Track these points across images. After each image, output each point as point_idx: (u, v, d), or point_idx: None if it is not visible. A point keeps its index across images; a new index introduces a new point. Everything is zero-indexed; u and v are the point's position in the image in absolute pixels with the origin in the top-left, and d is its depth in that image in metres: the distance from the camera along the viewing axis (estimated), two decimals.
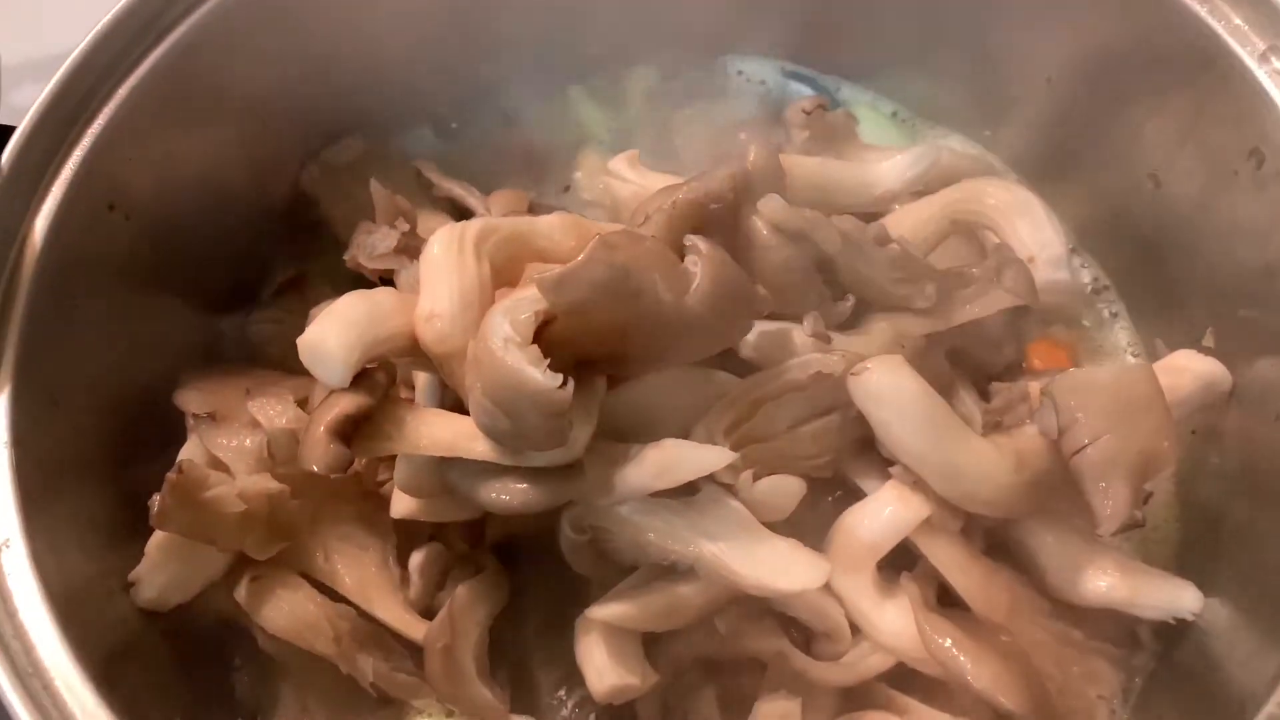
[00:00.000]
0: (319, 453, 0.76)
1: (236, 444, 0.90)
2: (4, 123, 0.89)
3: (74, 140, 0.88)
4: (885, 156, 1.02)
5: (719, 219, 0.87)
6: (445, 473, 0.82)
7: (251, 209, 1.07)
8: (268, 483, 0.87)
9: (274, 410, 0.90)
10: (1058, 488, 0.84)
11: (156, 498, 0.82)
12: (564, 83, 1.20)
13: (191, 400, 0.94)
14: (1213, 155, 0.90)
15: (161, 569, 0.87)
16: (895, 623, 0.85)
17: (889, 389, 0.82)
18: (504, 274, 0.84)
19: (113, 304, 0.93)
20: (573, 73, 1.20)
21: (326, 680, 0.91)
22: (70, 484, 0.86)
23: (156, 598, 0.87)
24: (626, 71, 1.21)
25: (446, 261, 0.82)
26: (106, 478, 0.90)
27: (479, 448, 0.79)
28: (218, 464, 0.90)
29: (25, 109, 0.86)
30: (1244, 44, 0.86)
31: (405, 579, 0.92)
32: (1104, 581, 0.86)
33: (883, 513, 0.86)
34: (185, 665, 0.91)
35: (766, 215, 0.86)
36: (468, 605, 0.89)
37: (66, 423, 0.86)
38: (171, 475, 0.82)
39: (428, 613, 0.90)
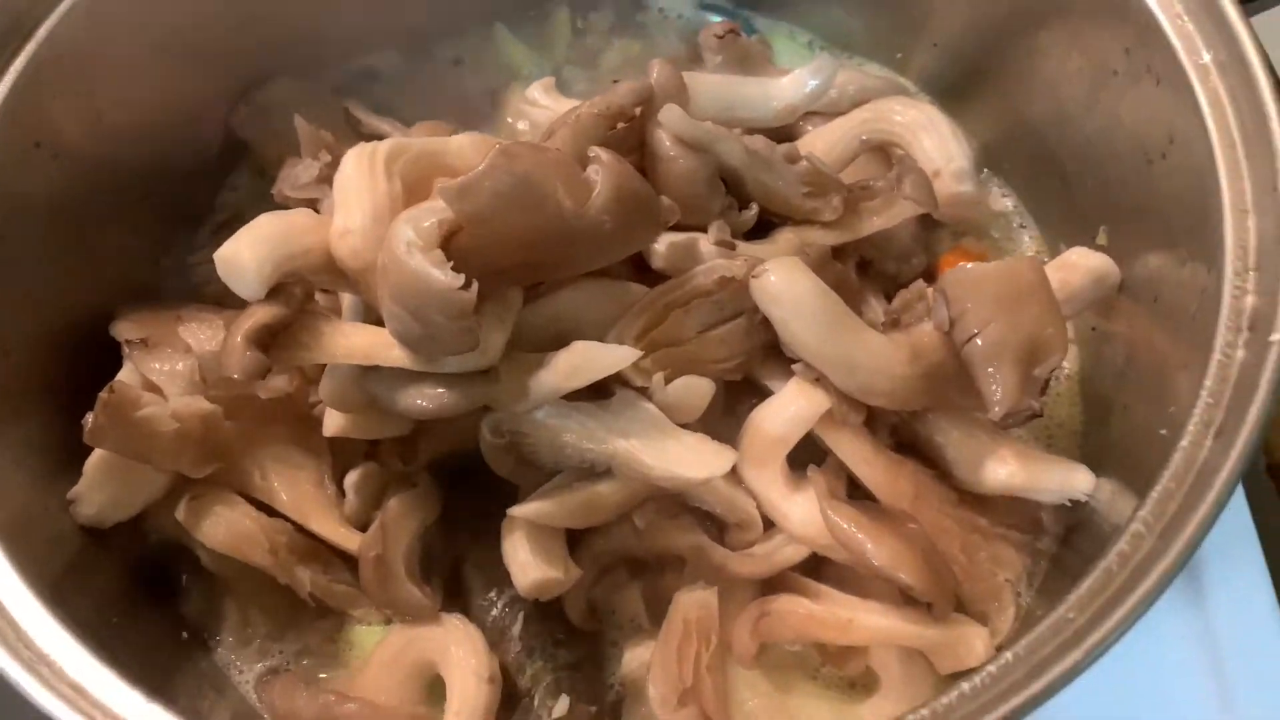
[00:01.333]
0: (236, 359, 0.79)
1: (169, 368, 0.93)
2: None
3: None
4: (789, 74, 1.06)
5: (625, 137, 0.91)
6: (366, 383, 0.86)
7: (185, 149, 1.10)
8: (200, 404, 0.91)
9: (204, 335, 0.94)
10: (953, 379, 0.87)
11: (90, 415, 0.85)
12: (490, 20, 1.23)
13: (126, 329, 0.97)
14: (1095, 58, 0.94)
15: (99, 488, 0.90)
16: (804, 512, 0.89)
17: (785, 288, 0.85)
18: (416, 192, 0.86)
19: (48, 243, 0.96)
20: (498, 13, 1.23)
21: (267, 595, 0.95)
22: (10, 414, 0.90)
23: (95, 514, 0.91)
24: (552, 10, 1.25)
25: (358, 179, 0.85)
26: (49, 408, 0.93)
27: (395, 354, 0.82)
28: (152, 388, 0.93)
29: None
30: None
31: (341, 498, 0.95)
32: (1004, 469, 0.90)
33: (787, 409, 0.90)
34: (133, 584, 0.95)
35: (667, 126, 0.90)
36: (399, 516, 0.93)
37: (3, 355, 0.90)
38: (103, 394, 0.85)
39: (364, 529, 0.94)
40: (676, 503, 0.92)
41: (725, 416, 0.94)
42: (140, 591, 0.96)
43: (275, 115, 1.12)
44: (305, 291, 0.86)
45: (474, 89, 1.23)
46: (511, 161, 0.77)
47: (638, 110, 0.91)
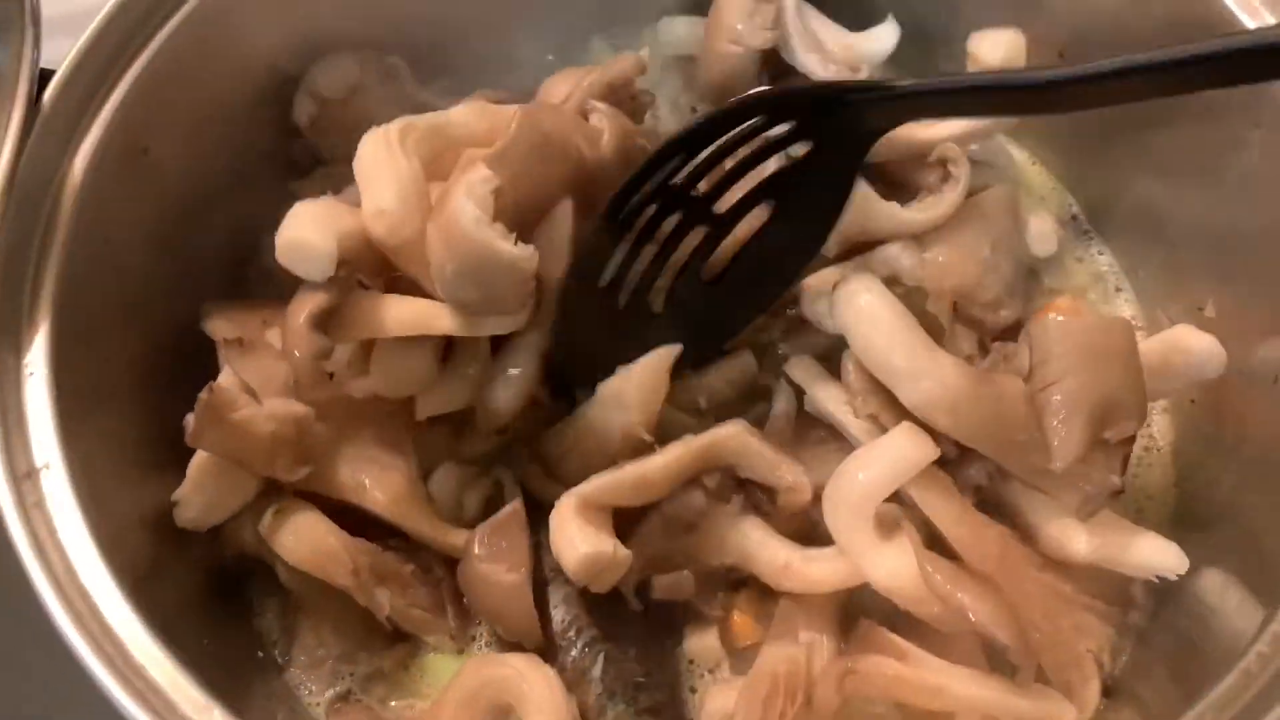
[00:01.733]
0: (302, 342, 0.83)
1: (263, 370, 0.93)
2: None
3: (110, 85, 0.91)
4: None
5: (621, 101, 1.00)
6: None
7: (270, 160, 1.09)
8: (293, 406, 0.90)
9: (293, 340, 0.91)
10: (1023, 428, 0.84)
11: (190, 417, 0.85)
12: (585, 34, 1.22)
13: (220, 327, 0.96)
14: (1224, 128, 0.91)
15: (201, 490, 0.90)
16: (893, 564, 0.87)
17: (868, 303, 0.88)
18: (430, 168, 0.89)
19: (148, 240, 0.96)
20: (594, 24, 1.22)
21: (342, 616, 0.95)
22: (107, 411, 0.89)
23: (196, 517, 0.90)
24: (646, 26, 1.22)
25: (379, 160, 0.87)
26: (142, 405, 0.93)
27: (443, 323, 0.87)
28: (247, 389, 0.92)
29: (58, 61, 0.89)
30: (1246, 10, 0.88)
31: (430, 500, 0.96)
32: (1087, 539, 0.87)
33: (889, 454, 0.88)
34: (210, 595, 0.95)
35: None
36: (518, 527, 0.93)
37: (103, 353, 0.90)
38: (203, 395, 0.85)
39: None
40: (728, 476, 0.92)
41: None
42: (217, 603, 0.95)
43: (334, 105, 1.07)
44: (349, 272, 0.87)
45: None
46: (537, 121, 0.88)
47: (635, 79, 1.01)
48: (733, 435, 0.90)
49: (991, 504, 0.92)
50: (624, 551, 0.87)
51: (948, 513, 0.89)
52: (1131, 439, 0.83)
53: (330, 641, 0.96)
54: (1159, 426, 1.03)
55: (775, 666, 0.86)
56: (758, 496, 0.93)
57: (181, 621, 0.85)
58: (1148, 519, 0.99)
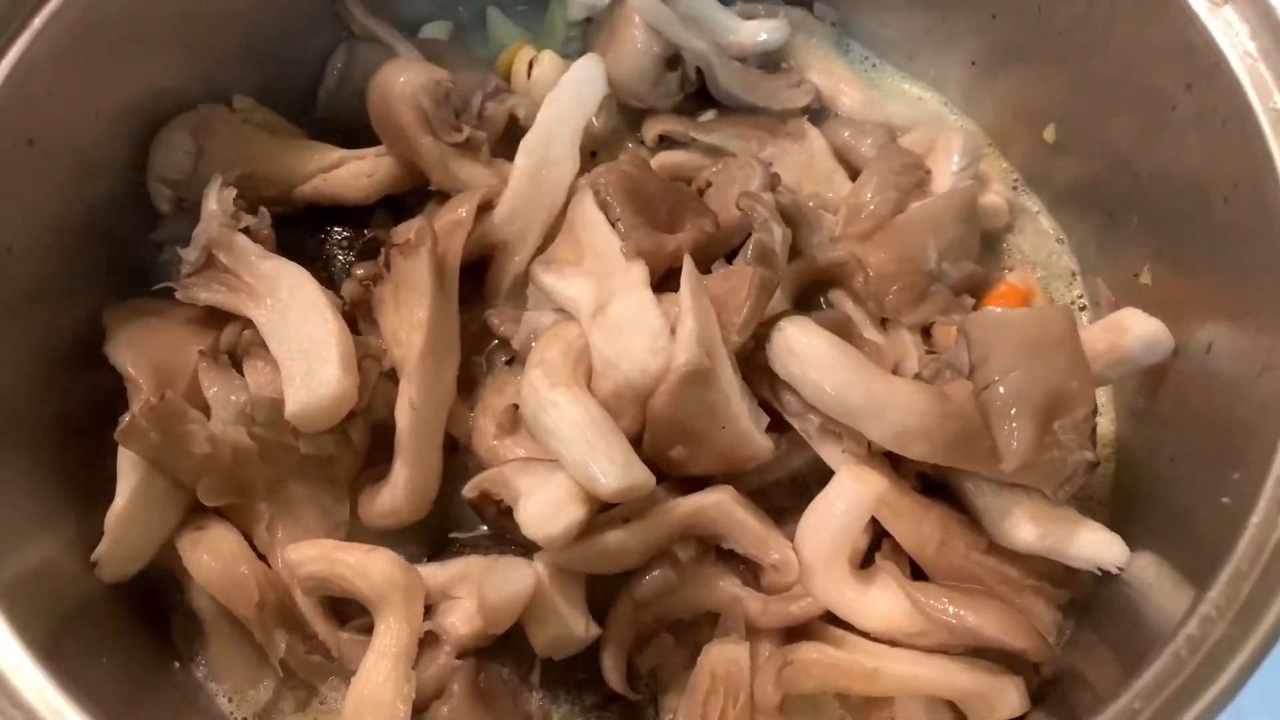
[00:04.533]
0: None
1: (227, 393, 0.90)
2: None
3: None
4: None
5: None
6: None
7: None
8: (240, 435, 0.88)
9: (264, 378, 0.89)
10: (983, 433, 0.83)
11: (126, 415, 0.82)
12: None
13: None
14: (1153, 91, 0.89)
15: (121, 543, 0.87)
16: (883, 607, 0.85)
17: (800, 342, 0.84)
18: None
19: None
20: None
21: (244, 645, 0.91)
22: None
23: (120, 571, 0.88)
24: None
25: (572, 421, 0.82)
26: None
27: None
28: (201, 404, 0.90)
29: None
30: None
31: None
32: (1032, 529, 0.85)
33: (839, 502, 0.85)
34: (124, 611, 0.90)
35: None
36: None
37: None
38: (152, 399, 0.84)
39: None
40: (709, 548, 0.88)
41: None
42: (131, 616, 0.91)
43: (187, 178, 1.00)
44: None
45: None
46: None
47: None
48: (717, 504, 0.85)
49: (934, 486, 0.90)
50: (595, 630, 0.85)
51: (884, 500, 0.87)
52: (1092, 414, 0.82)
53: (236, 666, 0.92)
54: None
55: (715, 667, 0.83)
56: (739, 568, 0.88)
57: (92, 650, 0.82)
58: (1087, 496, 0.96)
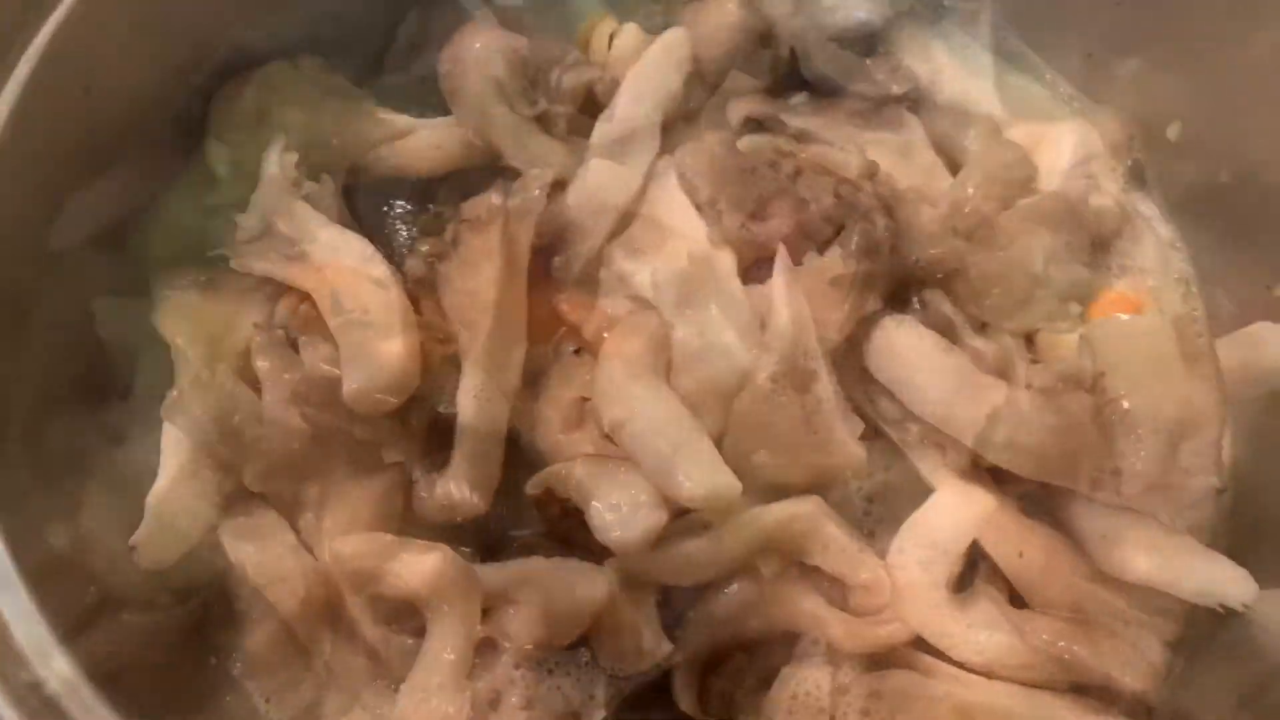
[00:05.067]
0: None
1: (280, 370, 0.85)
2: None
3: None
4: None
5: None
6: None
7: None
8: (293, 417, 0.83)
9: (322, 355, 0.84)
10: (1090, 446, 0.77)
11: (174, 389, 0.81)
12: None
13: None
14: None
15: (162, 526, 0.82)
16: (984, 638, 0.79)
17: (905, 343, 0.80)
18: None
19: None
20: None
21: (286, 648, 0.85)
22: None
23: (160, 557, 0.82)
24: None
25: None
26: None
27: None
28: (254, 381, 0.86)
29: None
30: None
31: None
32: (1146, 559, 0.79)
33: (944, 521, 0.80)
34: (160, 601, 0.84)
35: None
36: None
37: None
38: (202, 374, 0.82)
39: None
40: (792, 563, 0.81)
41: None
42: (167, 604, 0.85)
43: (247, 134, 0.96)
44: None
45: None
46: None
47: None
48: (807, 515, 0.79)
49: (1036, 504, 0.84)
50: (667, 646, 0.79)
51: (990, 522, 0.80)
52: (1221, 436, 0.76)
53: (276, 666, 0.85)
54: None
55: (795, 690, 0.77)
56: (823, 586, 0.81)
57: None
58: (1198, 525, 0.87)
